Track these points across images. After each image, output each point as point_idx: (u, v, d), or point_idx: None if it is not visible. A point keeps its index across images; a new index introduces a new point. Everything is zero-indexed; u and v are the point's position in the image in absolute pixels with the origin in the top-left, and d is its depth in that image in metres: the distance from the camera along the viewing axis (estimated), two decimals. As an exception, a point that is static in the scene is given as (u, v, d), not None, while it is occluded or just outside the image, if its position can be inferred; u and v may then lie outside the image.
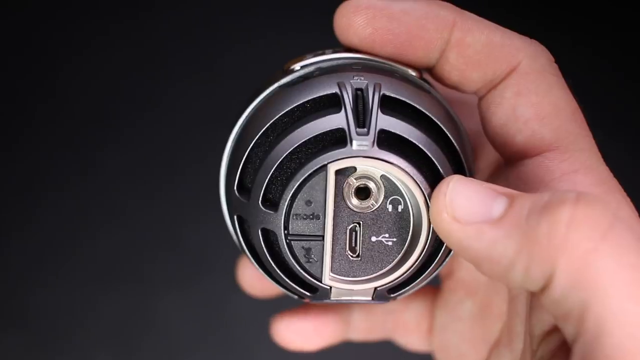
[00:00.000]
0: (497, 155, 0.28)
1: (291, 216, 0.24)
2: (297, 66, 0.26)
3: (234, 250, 0.64)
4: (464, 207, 0.22)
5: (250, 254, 0.26)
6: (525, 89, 0.25)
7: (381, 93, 0.24)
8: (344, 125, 0.23)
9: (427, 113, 0.24)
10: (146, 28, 0.63)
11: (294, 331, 0.32)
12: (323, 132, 0.24)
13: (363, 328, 0.32)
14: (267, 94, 0.26)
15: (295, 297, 0.26)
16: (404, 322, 0.32)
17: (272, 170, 0.24)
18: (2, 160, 0.61)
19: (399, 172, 0.23)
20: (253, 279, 0.32)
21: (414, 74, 0.26)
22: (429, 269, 0.25)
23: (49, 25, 0.63)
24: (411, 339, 0.32)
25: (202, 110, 0.62)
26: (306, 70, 0.26)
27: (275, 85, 0.26)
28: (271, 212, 0.24)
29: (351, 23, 0.25)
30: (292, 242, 0.24)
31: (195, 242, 0.60)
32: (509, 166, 0.26)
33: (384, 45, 0.25)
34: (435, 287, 0.32)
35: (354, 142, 0.23)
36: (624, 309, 0.19)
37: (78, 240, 0.59)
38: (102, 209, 0.60)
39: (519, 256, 0.21)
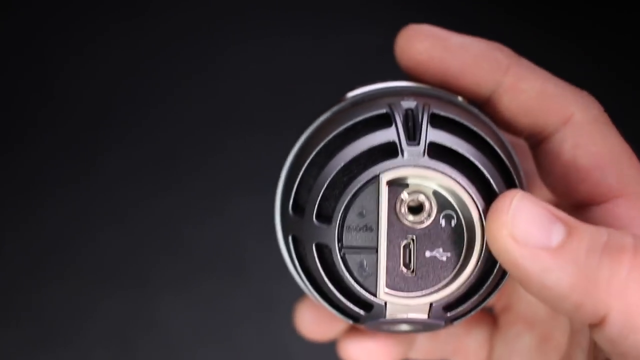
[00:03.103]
0: (552, 197, 0.29)
1: (345, 228, 0.24)
2: (349, 95, 0.27)
3: (236, 251, 0.64)
4: (523, 228, 0.22)
5: (305, 276, 0.26)
6: (582, 140, 0.26)
7: (430, 111, 0.24)
8: (394, 138, 0.24)
9: (476, 130, 0.25)
10: (147, 29, 0.63)
11: (363, 349, 0.32)
12: (374, 147, 0.24)
13: (425, 349, 0.32)
14: (320, 121, 0.27)
15: (351, 321, 0.26)
16: (464, 347, 0.32)
17: (325, 186, 0.24)
18: (4, 161, 0.61)
19: (451, 183, 0.24)
20: (312, 324, 0.32)
21: (461, 99, 0.27)
22: (485, 286, 0.25)
23: (49, 25, 0.63)
24: None
25: (203, 111, 0.62)
26: (357, 97, 0.26)
27: (328, 112, 0.26)
28: (325, 225, 0.24)
29: (410, 46, 0.27)
30: (346, 255, 0.24)
31: (196, 243, 0.60)
32: (572, 211, 0.27)
33: (436, 74, 0.26)
34: (496, 317, 0.33)
35: (405, 152, 0.24)
36: None
37: (79, 241, 0.59)
38: (103, 209, 0.60)
39: (573, 291, 0.21)
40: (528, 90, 0.26)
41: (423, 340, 0.32)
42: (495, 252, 0.23)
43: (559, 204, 0.29)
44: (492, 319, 0.33)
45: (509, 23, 0.61)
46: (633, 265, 0.21)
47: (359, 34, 0.61)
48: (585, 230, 0.22)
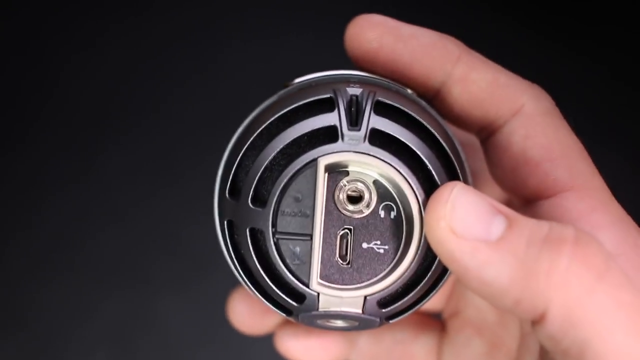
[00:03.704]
0: (502, 195, 0.28)
1: (279, 213, 0.23)
2: (297, 80, 0.26)
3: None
4: (463, 219, 0.21)
5: (238, 263, 0.25)
6: (532, 131, 0.25)
7: (375, 98, 0.24)
8: (335, 122, 0.23)
9: (421, 120, 0.24)
10: (147, 29, 0.63)
11: (300, 344, 0.31)
12: (314, 130, 0.23)
13: (368, 353, 0.31)
14: (264, 105, 0.26)
15: (282, 314, 0.25)
16: (411, 354, 0.31)
17: (263, 169, 0.23)
18: (4, 161, 0.61)
19: (391, 172, 0.23)
20: (244, 315, 0.31)
21: (410, 92, 0.26)
22: (422, 282, 0.24)
23: (50, 25, 0.63)
24: None
25: (203, 111, 0.62)
26: (304, 82, 0.26)
27: (273, 96, 0.26)
28: (260, 209, 0.23)
29: (361, 35, 0.26)
30: (279, 240, 0.23)
31: (195, 244, 0.60)
32: (521, 207, 0.26)
33: (386, 62, 0.26)
34: (444, 323, 0.32)
35: (345, 137, 0.23)
36: (625, 344, 0.20)
37: (78, 241, 0.59)
38: (103, 209, 0.60)
39: (513, 285, 0.21)
40: (479, 81, 0.25)
41: (365, 342, 0.31)
42: (433, 245, 0.22)
43: (508, 201, 0.28)
44: (439, 325, 0.32)
45: (507, 25, 0.61)
46: (573, 257, 0.20)
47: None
48: (525, 223, 0.21)
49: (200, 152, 0.61)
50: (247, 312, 0.31)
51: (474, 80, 0.25)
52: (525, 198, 0.26)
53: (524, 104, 0.25)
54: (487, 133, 0.26)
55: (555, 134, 0.25)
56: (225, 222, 0.25)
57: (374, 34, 0.26)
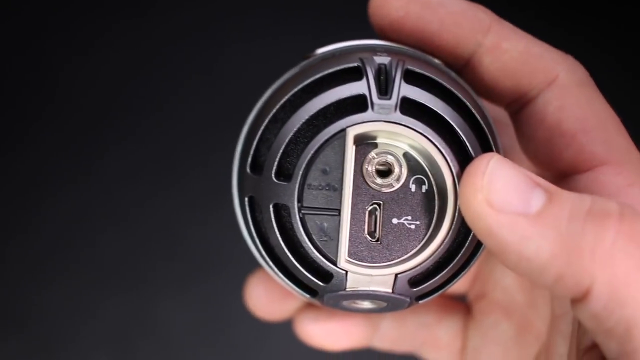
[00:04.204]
0: (534, 170, 0.27)
1: (305, 187, 0.22)
2: (319, 51, 0.25)
3: (235, 252, 0.64)
4: (501, 192, 0.20)
5: (260, 242, 0.23)
6: (568, 102, 0.24)
7: (405, 67, 0.22)
8: (365, 91, 0.22)
9: (452, 89, 0.23)
10: (148, 29, 0.63)
11: (322, 328, 0.30)
12: (342, 99, 0.22)
13: (391, 337, 0.30)
14: (286, 77, 0.25)
15: (306, 295, 0.23)
16: (435, 338, 0.30)
17: (287, 140, 0.22)
18: (4, 161, 0.61)
19: (424, 142, 0.22)
20: (262, 299, 0.30)
21: (438, 62, 0.25)
22: (455, 259, 0.23)
23: (50, 26, 0.63)
24: (441, 356, 0.30)
25: (204, 112, 0.62)
26: (327, 53, 0.24)
27: (295, 68, 0.24)
28: (285, 183, 0.22)
29: (385, 4, 0.25)
30: (305, 216, 0.22)
31: (196, 245, 0.60)
32: (555, 182, 0.25)
33: (413, 31, 0.25)
34: (469, 306, 0.31)
35: (375, 106, 0.22)
36: None
37: (79, 242, 0.59)
38: (103, 210, 0.60)
39: (555, 261, 0.19)
40: (511, 50, 0.24)
41: (388, 326, 0.30)
42: (468, 220, 0.21)
43: (541, 176, 0.28)
44: (465, 307, 0.31)
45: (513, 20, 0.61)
46: (619, 232, 0.19)
47: (360, 34, 0.61)
48: (567, 197, 0.20)
49: (202, 153, 0.61)
50: (266, 296, 0.30)
51: (506, 50, 0.24)
52: (559, 172, 0.25)
53: (558, 74, 0.24)
54: (518, 105, 0.25)
55: (591, 106, 0.24)
56: (246, 199, 0.23)
57: (399, 2, 0.24)
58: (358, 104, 0.22)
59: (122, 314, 0.58)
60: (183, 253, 0.59)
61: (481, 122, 0.23)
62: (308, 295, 0.24)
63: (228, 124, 0.63)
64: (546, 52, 0.24)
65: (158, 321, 0.58)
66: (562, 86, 0.24)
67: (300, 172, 0.22)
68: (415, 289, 0.23)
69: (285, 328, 0.54)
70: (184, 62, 0.63)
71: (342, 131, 0.22)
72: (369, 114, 0.22)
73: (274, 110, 0.23)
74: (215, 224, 0.60)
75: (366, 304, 0.24)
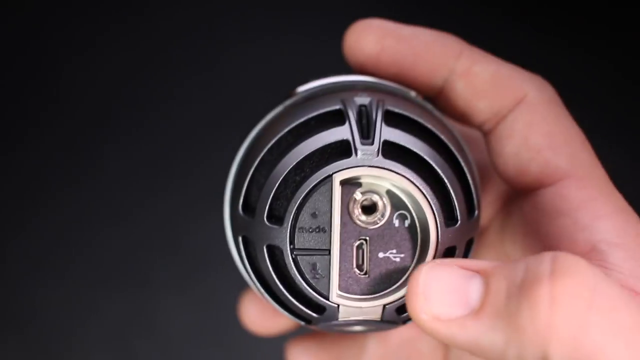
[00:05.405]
0: (505, 188, 0.28)
1: (297, 230, 0.23)
2: (300, 89, 0.26)
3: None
4: (440, 301, 0.21)
5: (255, 277, 0.25)
6: (535, 119, 0.25)
7: (384, 108, 0.24)
8: (348, 136, 0.23)
9: (430, 127, 0.24)
10: (147, 29, 0.63)
11: (312, 356, 0.31)
12: (327, 145, 0.23)
13: (376, 355, 0.31)
14: (271, 116, 0.26)
15: (302, 323, 0.25)
16: (418, 351, 0.31)
17: (277, 185, 0.23)
18: (4, 162, 0.61)
19: (405, 183, 0.23)
20: (256, 316, 0.32)
21: (414, 94, 0.26)
22: None
23: (50, 26, 0.63)
24: None
25: (204, 112, 0.62)
26: (310, 92, 0.26)
27: (279, 107, 0.26)
28: (276, 226, 0.23)
29: (360, 40, 0.26)
30: (298, 256, 0.24)
31: (196, 245, 0.60)
32: (522, 197, 0.26)
33: (389, 65, 0.26)
34: None
35: (359, 152, 0.23)
36: None
37: (79, 242, 0.59)
38: (103, 210, 0.60)
39: (509, 346, 0.20)
40: (482, 73, 0.26)
41: (374, 346, 0.31)
42: (428, 334, 0.22)
43: (510, 193, 0.28)
44: None
45: (506, 24, 0.61)
46: (552, 296, 0.19)
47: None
48: (500, 274, 0.21)
49: (202, 153, 0.61)
50: (259, 313, 0.31)
51: (477, 73, 0.26)
52: (526, 186, 0.26)
53: (527, 93, 0.26)
54: (490, 125, 0.27)
55: (557, 123, 0.25)
56: (240, 238, 0.25)
57: (374, 38, 0.26)
58: (342, 149, 0.23)
59: (122, 314, 0.58)
60: (183, 253, 0.59)
61: (458, 156, 0.24)
62: (303, 322, 0.25)
63: (228, 124, 0.63)
64: (515, 73, 0.26)
65: (158, 321, 0.58)
66: (530, 104, 0.25)
67: (291, 217, 0.23)
68: (402, 315, 0.24)
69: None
70: (184, 63, 0.63)
71: (329, 177, 0.23)
72: (353, 159, 0.23)
73: (263, 153, 0.24)
74: (215, 224, 0.60)
75: (357, 328, 0.25)
